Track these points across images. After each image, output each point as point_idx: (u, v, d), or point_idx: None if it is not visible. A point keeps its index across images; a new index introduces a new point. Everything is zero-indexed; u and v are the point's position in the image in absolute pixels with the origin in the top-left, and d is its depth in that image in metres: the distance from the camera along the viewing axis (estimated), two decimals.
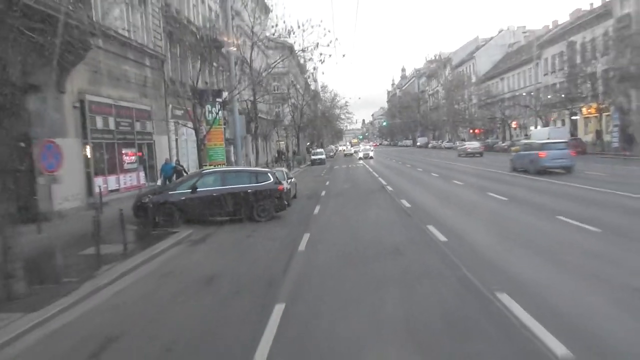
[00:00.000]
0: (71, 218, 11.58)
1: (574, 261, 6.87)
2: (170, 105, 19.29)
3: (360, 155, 51.48)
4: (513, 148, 34.21)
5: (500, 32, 67.52)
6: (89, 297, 6.40)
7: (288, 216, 12.65)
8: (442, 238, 8.63)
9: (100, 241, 7.91)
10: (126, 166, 16.08)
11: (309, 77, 49.53)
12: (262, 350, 4.22)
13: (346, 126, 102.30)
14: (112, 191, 14.85)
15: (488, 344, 4.19)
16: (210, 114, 16.88)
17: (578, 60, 38.26)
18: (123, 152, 15.91)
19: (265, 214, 11.90)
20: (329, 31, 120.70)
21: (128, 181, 16.03)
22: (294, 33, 23.11)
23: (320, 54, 30.93)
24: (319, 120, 54.70)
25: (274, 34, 26.05)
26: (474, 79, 63.37)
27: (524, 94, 47.32)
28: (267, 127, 37.27)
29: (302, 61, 32.13)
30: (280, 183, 12.42)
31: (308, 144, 60.84)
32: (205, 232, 10.92)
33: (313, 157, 46.32)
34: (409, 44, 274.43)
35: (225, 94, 18.50)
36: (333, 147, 77.38)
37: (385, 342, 4.41)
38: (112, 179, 15.07)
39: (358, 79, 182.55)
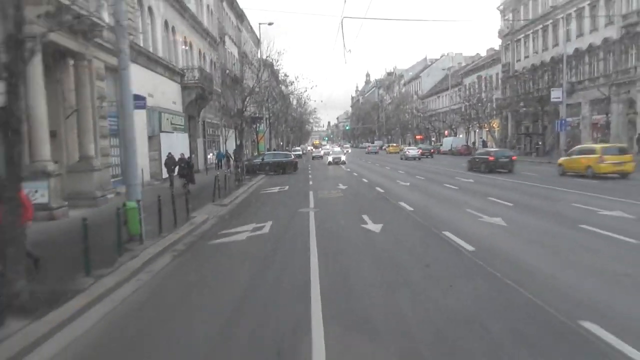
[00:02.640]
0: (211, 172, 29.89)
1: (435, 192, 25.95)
2: (223, 119, 37.51)
3: (330, 159, 43.28)
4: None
5: (442, 56, 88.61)
6: (249, 184, 24.93)
7: (299, 172, 31.34)
8: (380, 190, 27.56)
9: (237, 179, 26.33)
10: (209, 152, 34.41)
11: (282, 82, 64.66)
12: (311, 203, 22.19)
13: (312, 128, 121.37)
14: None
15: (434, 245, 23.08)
16: (258, 128, 35.51)
17: (484, 90, 58.97)
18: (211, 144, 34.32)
19: (290, 170, 30.70)
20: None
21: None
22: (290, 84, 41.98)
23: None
24: (290, 121, 70.72)
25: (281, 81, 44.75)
26: (420, 94, 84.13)
27: (448, 110, 68.09)
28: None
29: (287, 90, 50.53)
30: (296, 158, 31.39)
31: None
32: (270, 176, 29.41)
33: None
34: (376, 51, 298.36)
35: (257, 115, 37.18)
36: (299, 147, 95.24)
37: (330, 182, 23.17)
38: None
39: (325, 81, 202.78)
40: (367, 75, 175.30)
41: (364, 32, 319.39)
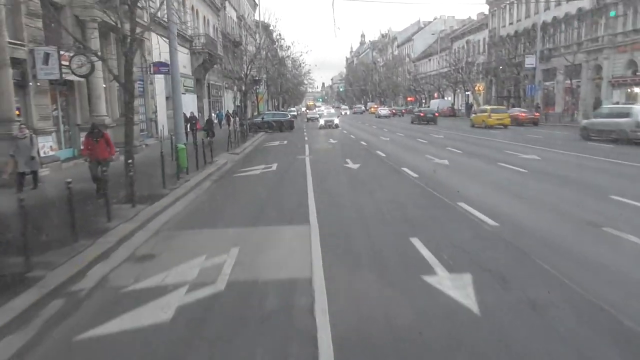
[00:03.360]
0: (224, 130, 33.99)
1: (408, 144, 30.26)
2: (225, 82, 41.27)
3: (321, 122, 40.50)
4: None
5: (434, 19, 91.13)
6: (253, 139, 29.14)
7: (295, 131, 35.50)
8: (363, 143, 31.82)
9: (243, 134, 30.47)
10: (213, 111, 38.29)
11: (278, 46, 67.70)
12: (306, 152, 26.51)
13: (306, 89, 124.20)
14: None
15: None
16: (258, 90, 39.32)
17: (471, 54, 62.45)
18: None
19: (288, 128, 34.88)
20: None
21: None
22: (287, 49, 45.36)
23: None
24: (285, 83, 73.75)
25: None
26: (412, 56, 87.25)
27: (437, 74, 71.67)
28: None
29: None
30: (292, 118, 35.54)
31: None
32: (270, 133, 33.57)
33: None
34: (372, 11, 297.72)
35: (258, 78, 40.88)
36: (294, 108, 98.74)
37: (322, 138, 27.44)
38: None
39: (320, 40, 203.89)
40: (362, 35, 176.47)
41: None
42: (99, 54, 13.17)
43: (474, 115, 39.56)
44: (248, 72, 34.87)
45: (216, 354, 4.15)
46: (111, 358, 4.26)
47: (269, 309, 4.96)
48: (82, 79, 15.75)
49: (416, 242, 6.84)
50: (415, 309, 4.85)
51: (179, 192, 11.55)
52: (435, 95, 72.69)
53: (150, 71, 22.83)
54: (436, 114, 45.01)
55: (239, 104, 45.40)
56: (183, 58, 30.96)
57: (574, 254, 6.38)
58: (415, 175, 13.28)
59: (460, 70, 56.21)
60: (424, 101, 78.99)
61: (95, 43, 15.92)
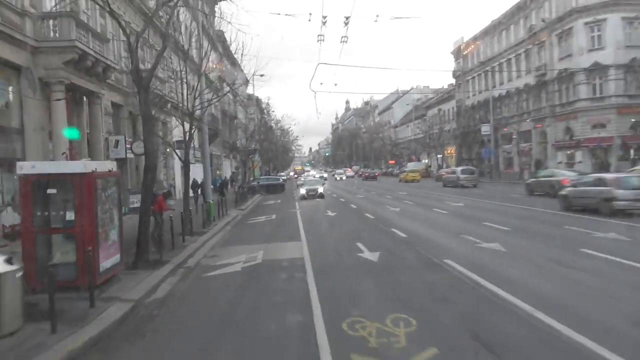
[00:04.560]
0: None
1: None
2: (223, 152, 48.09)
3: (302, 192, 34.51)
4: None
5: (411, 88, 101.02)
6: (252, 199, 35.55)
7: (286, 192, 42.02)
8: (341, 200, 38.37)
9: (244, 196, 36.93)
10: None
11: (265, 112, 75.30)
12: (297, 207, 33.02)
13: (294, 155, 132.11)
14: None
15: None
16: (254, 158, 46.18)
17: (443, 121, 70.79)
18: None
19: (279, 190, 41.41)
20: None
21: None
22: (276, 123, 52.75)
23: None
24: (273, 147, 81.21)
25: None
26: (392, 123, 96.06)
27: (413, 139, 79.86)
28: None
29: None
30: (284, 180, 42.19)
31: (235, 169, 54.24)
32: (263, 195, 40.00)
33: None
34: (356, 80, 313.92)
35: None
36: (283, 173, 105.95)
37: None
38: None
39: (306, 107, 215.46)
40: (347, 102, 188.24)
41: (345, 63, 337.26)
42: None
43: (402, 174, 59.17)
44: (246, 143, 41.82)
45: (262, 281, 10.27)
46: (221, 281, 10.38)
47: (285, 266, 11.17)
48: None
49: (359, 244, 13.14)
50: (352, 262, 11.12)
51: (214, 230, 17.79)
52: (413, 158, 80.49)
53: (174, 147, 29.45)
54: (377, 174, 71.91)
55: (234, 170, 52.22)
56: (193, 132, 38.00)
57: (436, 244, 12.70)
58: (372, 217, 19.72)
59: (431, 136, 64.10)
60: (403, 163, 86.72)
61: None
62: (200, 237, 15.98)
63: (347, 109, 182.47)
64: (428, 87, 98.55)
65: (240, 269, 11.16)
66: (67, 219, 8.67)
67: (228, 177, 47.08)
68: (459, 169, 45.18)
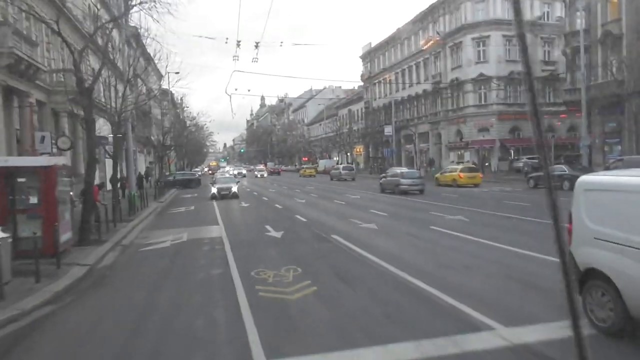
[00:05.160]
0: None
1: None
2: (137, 147, 49.11)
3: (213, 191, 30.81)
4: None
5: (324, 88, 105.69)
6: (170, 193, 37.50)
7: (202, 187, 44.18)
8: (254, 192, 41.18)
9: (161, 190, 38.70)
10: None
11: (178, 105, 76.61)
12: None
13: (208, 150, 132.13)
14: None
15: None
16: (169, 153, 47.52)
17: (352, 121, 75.71)
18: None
19: (195, 185, 43.49)
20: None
21: None
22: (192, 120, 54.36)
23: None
24: (188, 143, 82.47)
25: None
26: (305, 121, 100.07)
27: (324, 137, 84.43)
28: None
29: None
30: (199, 176, 44.23)
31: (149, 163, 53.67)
32: (180, 190, 41.87)
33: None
34: (271, 77, 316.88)
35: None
36: (198, 169, 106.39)
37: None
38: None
39: (220, 105, 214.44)
40: (262, 99, 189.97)
41: (260, 58, 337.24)
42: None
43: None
44: (162, 139, 43.33)
45: (189, 252, 13.11)
46: (155, 253, 13.09)
47: (206, 242, 14.09)
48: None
49: (267, 226, 16.31)
50: (260, 238, 14.27)
51: (140, 218, 20.13)
52: (325, 155, 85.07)
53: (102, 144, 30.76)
54: (280, 170, 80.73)
55: (148, 165, 53.14)
56: (107, 128, 39.08)
57: (328, 225, 16.19)
58: (280, 207, 23.00)
59: (341, 135, 68.74)
60: (317, 160, 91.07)
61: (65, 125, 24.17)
62: (129, 223, 18.32)
63: (262, 105, 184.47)
64: (340, 87, 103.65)
65: (169, 245, 13.93)
66: (30, 202, 11.04)
67: (142, 172, 48.18)
68: (341, 166, 56.49)
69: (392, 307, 7.32)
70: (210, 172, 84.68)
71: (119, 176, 23.73)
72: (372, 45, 70.62)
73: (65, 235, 11.59)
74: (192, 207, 25.22)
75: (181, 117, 62.10)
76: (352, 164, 62.92)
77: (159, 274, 10.41)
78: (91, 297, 9.03)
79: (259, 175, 68.11)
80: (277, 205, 24.29)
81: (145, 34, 22.05)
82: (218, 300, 8.18)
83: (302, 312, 7.29)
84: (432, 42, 51.63)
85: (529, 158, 41.26)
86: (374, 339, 5.92)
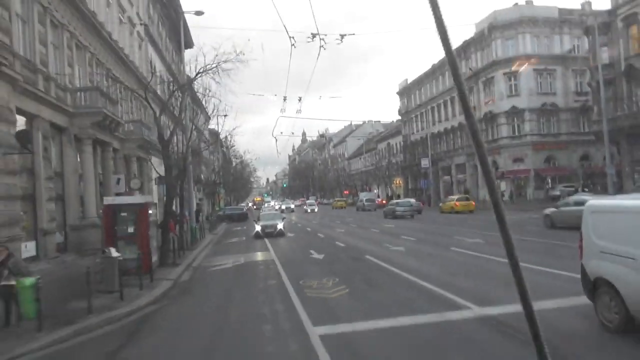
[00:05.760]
0: None
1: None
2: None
3: (257, 229, 28.82)
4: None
5: (363, 122, 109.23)
6: (221, 226, 41.11)
7: (248, 220, 47.75)
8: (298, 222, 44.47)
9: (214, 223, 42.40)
10: None
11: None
12: (258, 228, 38.85)
13: (252, 186, 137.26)
14: None
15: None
16: (219, 190, 51.70)
17: (392, 154, 78.52)
18: None
19: (243, 219, 47.08)
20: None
21: None
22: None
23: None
24: (234, 180, 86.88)
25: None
26: (345, 155, 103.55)
27: (364, 171, 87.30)
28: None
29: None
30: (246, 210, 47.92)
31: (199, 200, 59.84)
32: (229, 223, 45.51)
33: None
34: (313, 113, 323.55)
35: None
36: (243, 204, 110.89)
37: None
38: None
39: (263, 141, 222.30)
40: (303, 134, 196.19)
41: (303, 98, 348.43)
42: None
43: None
44: (211, 177, 47.46)
45: (248, 270, 16.20)
46: (221, 271, 16.24)
47: (261, 263, 17.16)
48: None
49: (311, 250, 19.26)
50: (305, 258, 17.21)
51: (200, 247, 23.49)
52: (367, 188, 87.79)
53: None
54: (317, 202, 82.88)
55: (198, 202, 57.56)
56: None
57: (363, 249, 18.96)
58: (322, 236, 25.92)
59: (380, 168, 71.55)
60: (357, 193, 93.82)
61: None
62: (193, 251, 21.70)
63: (304, 140, 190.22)
64: (379, 121, 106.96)
65: (231, 265, 17.08)
66: (128, 231, 14.45)
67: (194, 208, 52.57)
68: (364, 198, 63.32)
69: (403, 299, 10.08)
70: (255, 207, 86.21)
71: (178, 212, 27.42)
72: (409, 82, 73.85)
73: (154, 258, 14.90)
74: (244, 238, 28.48)
75: (227, 156, 66.71)
76: (407, 197, 62.06)
77: (228, 285, 13.50)
78: (182, 299, 12.19)
79: (309, 210, 62.96)
80: (319, 234, 27.25)
81: (208, 92, 25.20)
82: (276, 299, 11.13)
83: (337, 304, 10.16)
84: (465, 78, 54.24)
85: (565, 186, 42.75)
86: (386, 316, 8.70)
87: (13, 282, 9.25)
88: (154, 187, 31.04)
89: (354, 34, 26.23)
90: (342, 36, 20.54)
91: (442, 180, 63.21)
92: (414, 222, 32.85)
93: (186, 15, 31.10)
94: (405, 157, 73.14)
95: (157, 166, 35.67)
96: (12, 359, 7.86)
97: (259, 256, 19.13)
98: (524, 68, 47.75)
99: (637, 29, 33.06)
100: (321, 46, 18.57)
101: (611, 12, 35.49)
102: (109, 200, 14.24)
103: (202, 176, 56.28)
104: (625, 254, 6.51)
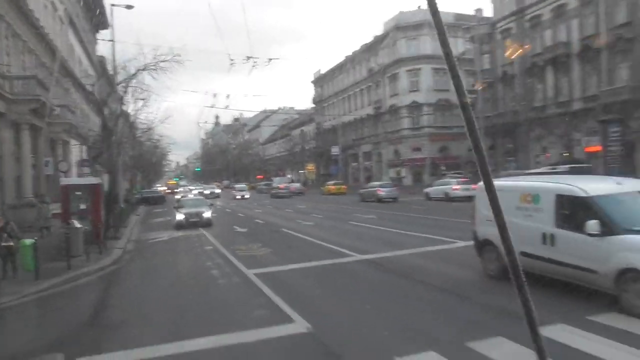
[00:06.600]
0: None
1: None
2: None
3: (179, 218, 24.75)
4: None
5: (278, 109, 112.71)
6: (141, 209, 43.21)
7: (166, 203, 49.87)
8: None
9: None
10: None
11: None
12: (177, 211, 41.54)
13: (164, 169, 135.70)
14: None
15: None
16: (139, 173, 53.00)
17: (305, 140, 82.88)
18: None
19: (161, 201, 49.19)
20: None
21: None
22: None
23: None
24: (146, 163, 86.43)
25: None
26: (260, 140, 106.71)
27: (278, 156, 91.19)
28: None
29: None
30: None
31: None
32: (148, 205, 47.49)
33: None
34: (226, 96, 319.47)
35: None
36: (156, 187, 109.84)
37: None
38: None
39: (175, 123, 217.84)
40: (217, 117, 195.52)
41: (220, 80, 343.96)
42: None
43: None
44: (130, 161, 48.89)
45: (186, 242, 19.49)
46: (161, 242, 19.44)
47: (195, 236, 20.50)
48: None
49: (235, 226, 22.83)
50: (232, 232, 20.80)
51: (130, 225, 26.12)
52: (280, 173, 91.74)
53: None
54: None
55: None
56: (83, 151, 44.46)
57: (279, 224, 22.88)
58: (243, 215, 29.50)
59: (294, 154, 75.72)
60: (271, 178, 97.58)
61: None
62: (125, 228, 24.37)
63: (217, 124, 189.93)
64: (293, 108, 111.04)
65: (167, 238, 20.27)
66: (81, 207, 17.22)
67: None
68: (274, 182, 68.96)
69: (311, 254, 14.14)
70: (169, 191, 79.37)
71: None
72: (322, 72, 78.36)
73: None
74: (169, 218, 31.25)
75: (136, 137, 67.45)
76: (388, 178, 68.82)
77: (172, 250, 16.87)
78: (138, 260, 15.44)
79: (238, 197, 54.24)
80: (240, 214, 30.78)
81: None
82: (216, 257, 14.76)
83: (263, 258, 14.00)
84: (373, 73, 59.51)
85: (454, 172, 49.29)
86: (298, 262, 12.67)
87: (11, 243, 12.05)
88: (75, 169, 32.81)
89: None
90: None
91: (350, 167, 68.66)
92: (296, 200, 37.55)
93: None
94: (318, 144, 77.81)
95: (76, 149, 37.20)
96: (26, 295, 10.89)
97: (191, 231, 22.35)
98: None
99: (511, 42, 39.53)
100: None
101: (492, 25, 41.86)
102: (65, 181, 16.88)
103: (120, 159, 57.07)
104: None
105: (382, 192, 37.33)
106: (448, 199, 32.37)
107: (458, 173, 48.83)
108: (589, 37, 32.41)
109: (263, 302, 9.05)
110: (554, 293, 7.86)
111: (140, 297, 10.37)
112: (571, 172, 21.23)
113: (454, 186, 33.36)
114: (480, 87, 40.02)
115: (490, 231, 9.06)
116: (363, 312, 8.12)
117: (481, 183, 7.35)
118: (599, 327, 6.51)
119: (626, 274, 7.01)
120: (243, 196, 54.46)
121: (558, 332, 6.22)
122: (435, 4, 1.66)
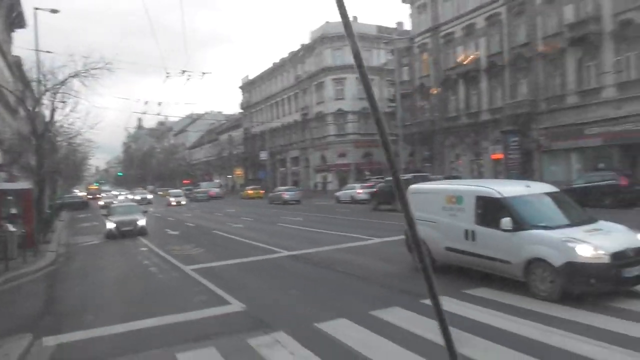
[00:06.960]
0: None
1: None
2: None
3: (110, 227, 22.48)
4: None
5: (205, 113, 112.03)
6: (64, 215, 42.28)
7: (90, 209, 48.84)
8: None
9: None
10: None
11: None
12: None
13: (83, 174, 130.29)
14: None
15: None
16: (59, 178, 51.53)
17: (233, 145, 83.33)
18: None
19: (83, 207, 48.05)
20: None
21: None
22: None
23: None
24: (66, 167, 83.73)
25: None
26: (187, 145, 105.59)
27: (205, 161, 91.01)
28: None
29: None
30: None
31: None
32: (70, 211, 46.38)
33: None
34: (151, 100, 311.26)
35: None
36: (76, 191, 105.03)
37: None
38: None
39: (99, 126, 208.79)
40: (139, 120, 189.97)
41: (143, 82, 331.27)
42: None
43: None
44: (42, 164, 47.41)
45: (115, 244, 20.11)
46: (92, 246, 19.94)
47: (128, 240, 21.11)
48: None
49: (167, 229, 23.61)
50: (165, 234, 21.63)
51: (58, 231, 26.09)
52: (207, 177, 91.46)
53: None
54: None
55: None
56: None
57: (210, 227, 23.95)
58: (173, 219, 30.15)
59: (222, 159, 76.10)
60: (198, 183, 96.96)
61: None
62: (53, 233, 24.41)
63: (140, 127, 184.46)
64: (221, 112, 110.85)
65: (97, 242, 20.77)
66: (11, 212, 17.51)
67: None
68: (202, 186, 71.49)
69: (242, 252, 15.50)
70: (90, 197, 75.07)
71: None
72: (250, 78, 79.36)
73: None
74: (95, 223, 31.27)
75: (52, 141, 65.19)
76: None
77: (106, 252, 17.58)
78: (74, 261, 16.10)
79: (174, 203, 50.96)
80: (170, 218, 31.36)
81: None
82: (152, 256, 15.75)
83: (198, 256, 15.19)
84: (300, 80, 61.36)
85: (377, 177, 52.05)
86: (231, 259, 14.00)
87: None
88: None
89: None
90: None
91: (278, 172, 70.10)
92: (224, 205, 38.77)
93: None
94: (246, 149, 78.62)
95: None
96: None
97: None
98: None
99: (427, 56, 42.80)
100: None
101: (411, 39, 45.01)
102: None
103: (32, 163, 54.95)
104: (429, 219, 10.33)
105: (286, 195, 43.28)
106: (354, 201, 37.05)
107: (380, 178, 51.80)
108: (494, 54, 36.04)
109: (202, 290, 10.39)
110: (449, 277, 9.82)
111: (87, 291, 11.30)
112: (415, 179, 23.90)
113: (358, 190, 38.81)
114: (398, 98, 42.94)
115: (421, 230, 10.94)
116: (290, 295, 9.69)
117: (412, 186, 11.39)
118: (473, 298, 8.48)
119: (533, 263, 8.33)
120: (179, 202, 51.50)
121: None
122: (352, 33, 1.78)
